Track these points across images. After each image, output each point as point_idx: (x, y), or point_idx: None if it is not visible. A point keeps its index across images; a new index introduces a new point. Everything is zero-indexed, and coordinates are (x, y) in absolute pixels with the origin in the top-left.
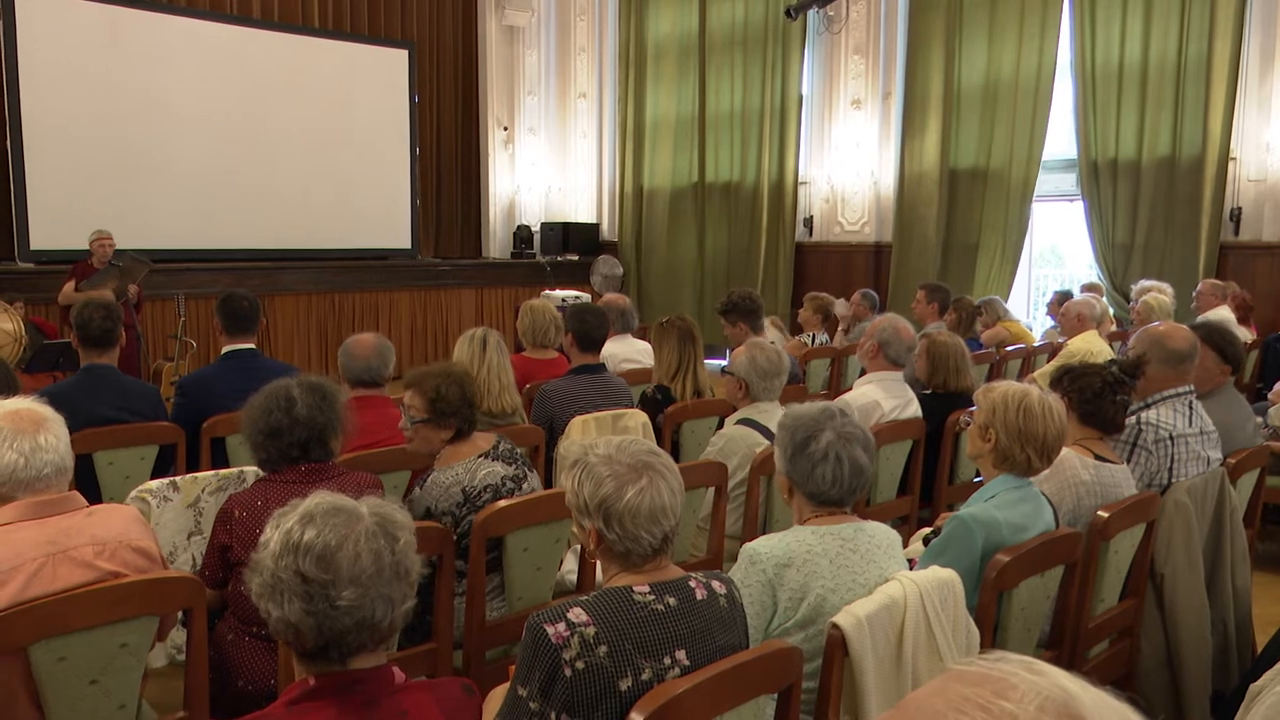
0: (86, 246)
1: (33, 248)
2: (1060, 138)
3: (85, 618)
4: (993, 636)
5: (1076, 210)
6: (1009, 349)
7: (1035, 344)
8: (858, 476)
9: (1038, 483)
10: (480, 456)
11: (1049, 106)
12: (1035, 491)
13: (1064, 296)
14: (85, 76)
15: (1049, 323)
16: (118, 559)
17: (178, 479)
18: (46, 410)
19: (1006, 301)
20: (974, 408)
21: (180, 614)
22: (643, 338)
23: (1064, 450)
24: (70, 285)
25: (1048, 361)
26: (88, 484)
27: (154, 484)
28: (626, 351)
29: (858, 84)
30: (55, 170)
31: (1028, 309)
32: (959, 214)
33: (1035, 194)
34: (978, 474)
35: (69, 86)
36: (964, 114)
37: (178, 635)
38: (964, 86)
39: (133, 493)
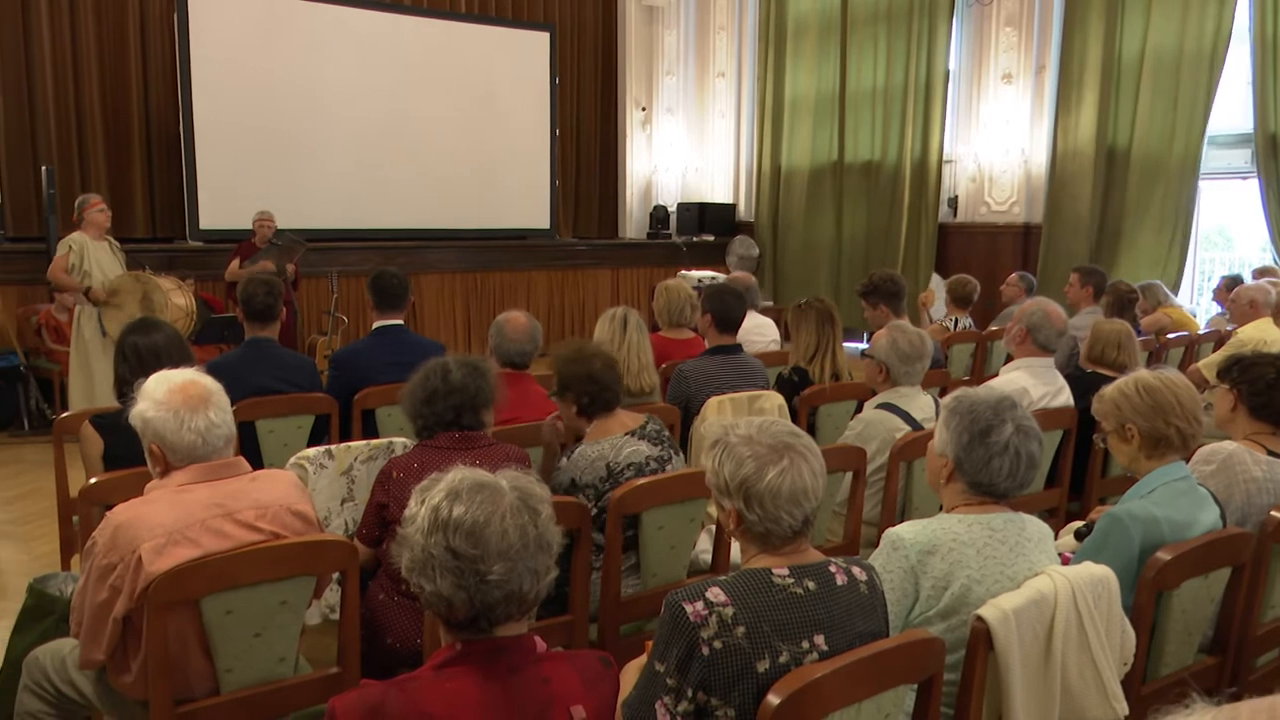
0: (250, 226)
1: (201, 227)
2: (1230, 111)
3: (250, 575)
4: (1149, 639)
5: (1249, 188)
6: (1170, 336)
7: (1200, 331)
8: (1030, 471)
9: (1204, 479)
10: (627, 435)
11: (1219, 78)
12: (1198, 487)
13: (1233, 281)
14: (247, 66)
15: (1215, 309)
16: (278, 522)
17: (332, 448)
18: (208, 381)
19: (1175, 288)
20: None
21: (335, 575)
22: (772, 317)
23: (1233, 445)
24: (235, 263)
25: (1214, 350)
26: (250, 450)
27: (310, 452)
28: (747, 325)
29: (1009, 57)
30: (221, 155)
31: (1191, 294)
32: (1115, 193)
33: (1202, 172)
34: None
35: (234, 76)
36: (1124, 87)
37: (331, 595)
38: (1125, 58)
39: (291, 459)
